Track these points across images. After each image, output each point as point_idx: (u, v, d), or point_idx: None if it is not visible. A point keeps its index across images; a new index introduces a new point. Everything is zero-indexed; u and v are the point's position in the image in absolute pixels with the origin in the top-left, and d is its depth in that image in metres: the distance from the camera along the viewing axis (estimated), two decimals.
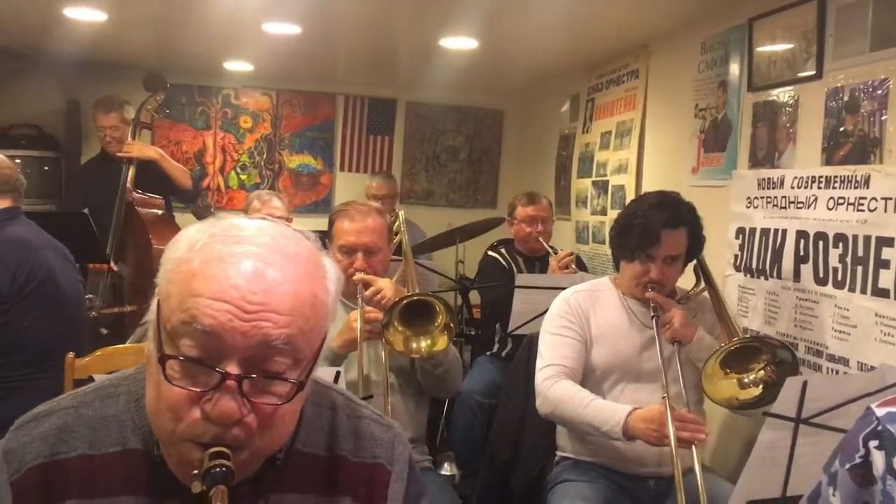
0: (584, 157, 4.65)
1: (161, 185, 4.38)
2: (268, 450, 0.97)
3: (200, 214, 4.77)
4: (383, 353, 2.39)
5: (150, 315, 0.95)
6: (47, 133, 5.32)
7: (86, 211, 4.27)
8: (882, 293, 2.26)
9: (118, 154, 4.21)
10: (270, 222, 0.99)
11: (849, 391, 1.55)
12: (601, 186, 4.36)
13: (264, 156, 5.83)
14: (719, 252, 3.06)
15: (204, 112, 5.69)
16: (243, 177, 5.81)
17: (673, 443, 2.03)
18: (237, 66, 5.23)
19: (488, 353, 3.98)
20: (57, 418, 1.02)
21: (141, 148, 4.28)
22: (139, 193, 4.19)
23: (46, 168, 5.22)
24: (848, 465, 1.22)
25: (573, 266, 3.62)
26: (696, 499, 1.98)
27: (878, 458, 1.19)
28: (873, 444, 1.20)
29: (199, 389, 0.89)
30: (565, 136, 5.07)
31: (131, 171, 4.16)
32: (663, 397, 2.13)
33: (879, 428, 1.20)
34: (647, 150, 3.92)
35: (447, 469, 3.73)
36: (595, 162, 4.48)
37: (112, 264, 4.09)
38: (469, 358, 4.25)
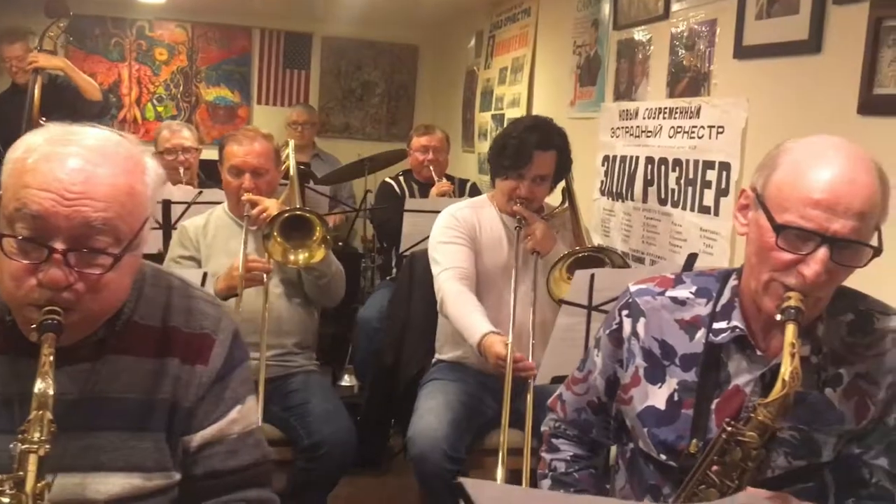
0: (486, 92, 4.90)
1: (69, 102, 4.42)
2: (99, 312, 1.21)
3: None
4: (263, 295, 2.59)
5: None
6: None
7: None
8: (705, 210, 2.59)
9: (25, 68, 4.24)
10: (102, 129, 1.22)
11: (631, 281, 1.84)
12: (499, 120, 4.62)
13: (181, 88, 5.92)
14: (590, 179, 3.36)
15: (118, 44, 5.73)
16: (160, 108, 5.90)
17: (508, 379, 2.24)
18: None
19: (388, 277, 4.24)
20: None
21: (47, 57, 4.30)
22: (45, 122, 4.25)
23: None
24: (607, 332, 1.54)
25: (451, 194, 3.87)
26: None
27: (627, 324, 1.50)
28: (625, 313, 1.51)
29: (30, 262, 1.12)
30: (471, 72, 5.29)
31: (37, 94, 4.20)
32: (507, 344, 2.26)
33: (630, 300, 1.51)
34: (536, 85, 4.18)
35: (347, 380, 4.03)
36: (494, 96, 4.73)
37: None
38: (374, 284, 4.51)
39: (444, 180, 4.01)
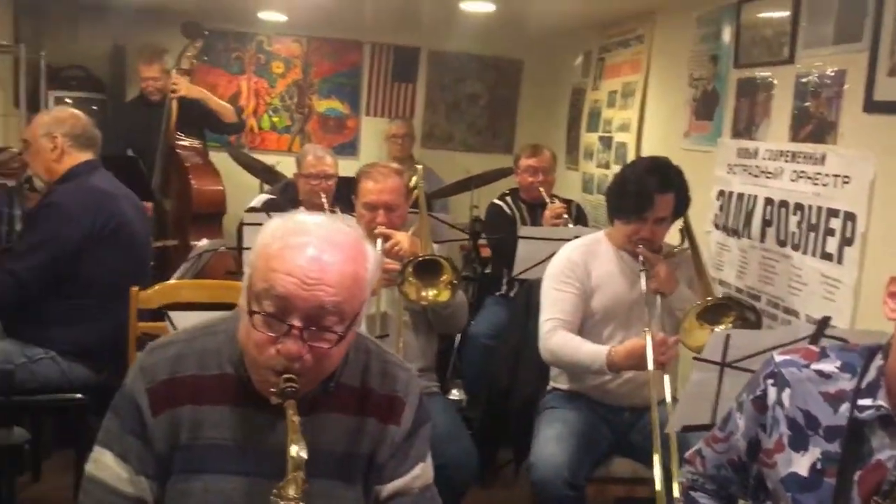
0: (593, 113, 4.98)
1: (204, 120, 4.74)
2: (319, 378, 1.40)
3: (236, 155, 5.16)
4: (399, 296, 2.81)
5: (245, 280, 1.37)
6: (95, 75, 5.67)
7: (130, 153, 4.69)
8: (828, 257, 2.64)
9: (171, 94, 4.55)
10: (327, 219, 1.40)
11: (765, 342, 1.93)
12: (606, 142, 4.70)
13: (294, 99, 6.18)
14: (703, 211, 3.42)
15: (239, 58, 6.03)
16: (275, 119, 6.18)
17: (651, 367, 2.41)
18: (271, 15, 5.55)
19: (497, 293, 4.36)
20: (175, 347, 1.45)
21: (188, 87, 4.62)
22: (180, 137, 4.58)
23: (94, 108, 5.56)
24: (751, 397, 1.64)
25: (565, 217, 3.95)
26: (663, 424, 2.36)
27: (772, 392, 1.60)
28: (770, 381, 1.61)
29: (273, 335, 1.31)
30: (577, 91, 5.38)
31: (174, 114, 4.52)
32: (645, 330, 2.48)
33: (776, 370, 1.61)
34: (648, 112, 4.25)
35: (455, 394, 4.18)
36: (602, 118, 4.81)
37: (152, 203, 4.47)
38: (477, 296, 4.65)
39: (556, 201, 4.09)
